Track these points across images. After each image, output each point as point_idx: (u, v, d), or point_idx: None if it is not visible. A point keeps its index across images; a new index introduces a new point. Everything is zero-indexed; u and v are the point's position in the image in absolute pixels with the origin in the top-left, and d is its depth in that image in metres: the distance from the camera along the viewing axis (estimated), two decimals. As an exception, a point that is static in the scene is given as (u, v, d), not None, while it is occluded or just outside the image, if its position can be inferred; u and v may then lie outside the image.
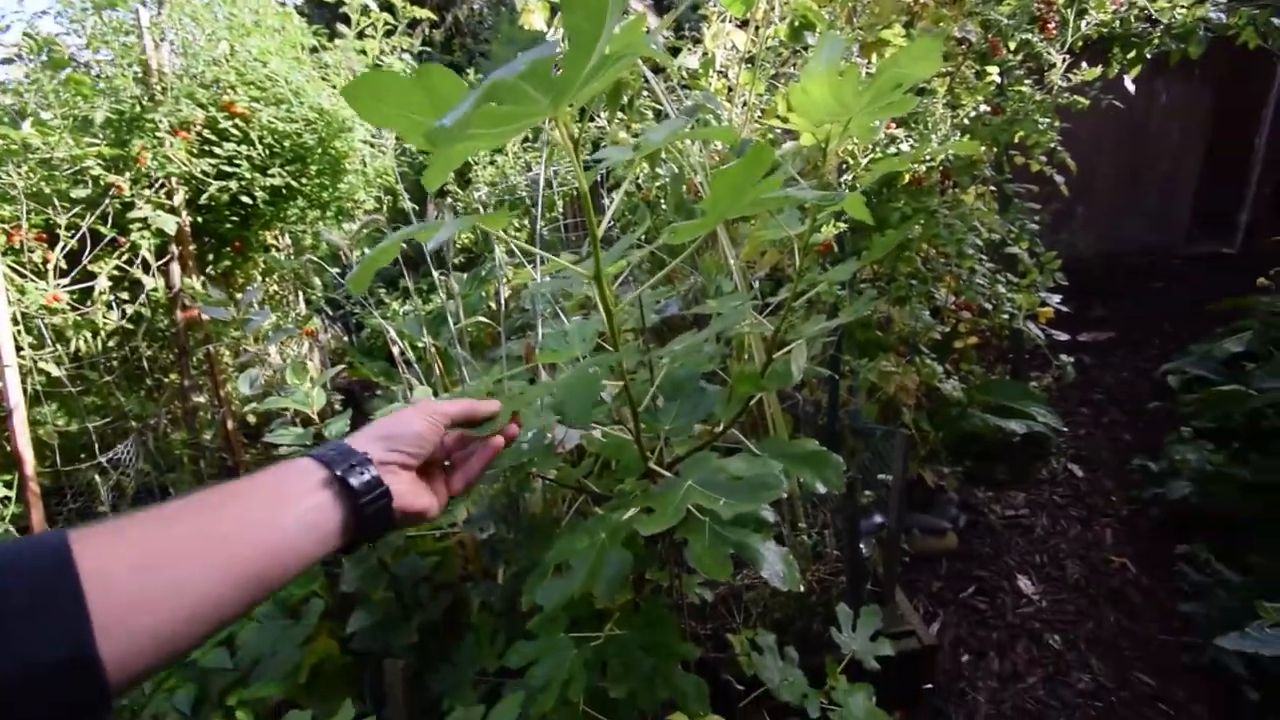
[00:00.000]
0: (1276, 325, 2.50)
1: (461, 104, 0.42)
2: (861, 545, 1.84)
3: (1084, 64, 1.99)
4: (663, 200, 2.06)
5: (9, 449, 1.99)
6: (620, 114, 2.39)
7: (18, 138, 2.05)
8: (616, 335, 0.80)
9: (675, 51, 2.02)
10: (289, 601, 1.49)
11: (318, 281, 2.87)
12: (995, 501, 2.58)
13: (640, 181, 2.28)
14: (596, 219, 0.69)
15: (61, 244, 2.19)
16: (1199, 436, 2.31)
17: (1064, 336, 2.52)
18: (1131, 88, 2.18)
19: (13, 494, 2.03)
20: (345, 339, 3.88)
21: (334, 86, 2.75)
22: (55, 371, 2.14)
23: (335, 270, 3.03)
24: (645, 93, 2.24)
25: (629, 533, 0.97)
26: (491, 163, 3.29)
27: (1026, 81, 1.97)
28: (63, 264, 2.19)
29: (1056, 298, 2.57)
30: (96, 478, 2.13)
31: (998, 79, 1.89)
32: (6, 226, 2.11)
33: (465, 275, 3.36)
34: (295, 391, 1.18)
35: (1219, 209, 3.90)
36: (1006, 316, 2.44)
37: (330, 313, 3.33)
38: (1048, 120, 2.04)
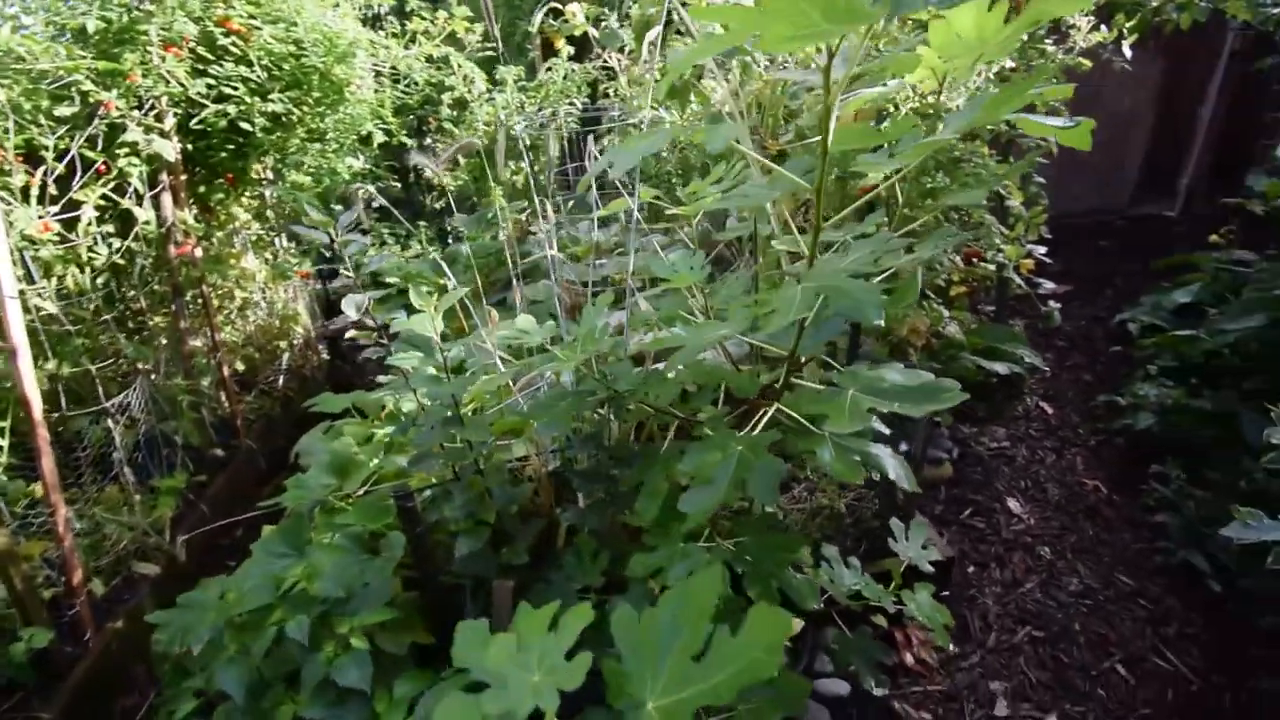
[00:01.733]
0: (1225, 277, 2.80)
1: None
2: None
3: (1103, 27, 2.13)
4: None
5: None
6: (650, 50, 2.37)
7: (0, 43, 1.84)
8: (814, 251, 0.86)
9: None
10: (361, 536, 1.50)
11: (315, 217, 2.71)
12: (981, 435, 2.82)
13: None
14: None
15: (46, 167, 2.00)
16: (1161, 375, 2.59)
17: (1050, 285, 2.74)
18: (1129, 53, 2.34)
19: (4, 443, 1.89)
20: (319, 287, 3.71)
21: (337, 4, 2.58)
22: (51, 308, 1.98)
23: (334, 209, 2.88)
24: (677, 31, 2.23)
25: (772, 442, 1.05)
26: (490, 100, 3.17)
27: (1047, 40, 2.09)
28: (53, 190, 2.01)
29: (1041, 249, 2.78)
30: (109, 424, 2.01)
31: (1024, 36, 2.00)
32: (-11, 144, 1.91)
33: (468, 218, 3.27)
34: (408, 317, 1.17)
35: (1163, 175, 4.26)
36: (995, 266, 2.62)
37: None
38: (1056, 80, 2.18)
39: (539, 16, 2.88)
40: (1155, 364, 2.66)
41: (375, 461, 1.60)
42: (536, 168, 3.32)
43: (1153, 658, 1.81)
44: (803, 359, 1.24)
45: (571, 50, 3.34)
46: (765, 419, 1.12)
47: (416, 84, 2.94)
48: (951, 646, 1.88)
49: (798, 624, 1.59)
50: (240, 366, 2.86)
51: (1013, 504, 2.43)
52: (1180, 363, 2.60)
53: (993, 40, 0.80)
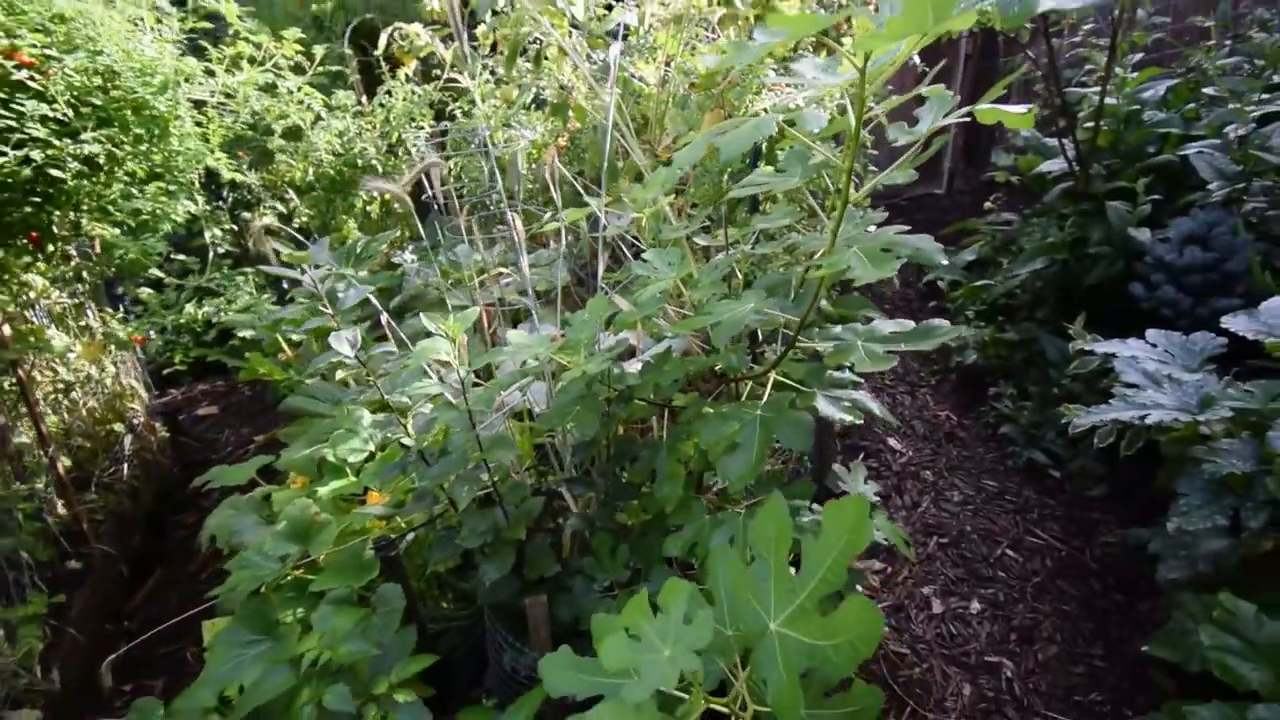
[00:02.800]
0: (998, 236, 3.52)
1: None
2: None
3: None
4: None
5: None
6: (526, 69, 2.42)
7: None
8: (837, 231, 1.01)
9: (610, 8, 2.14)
10: (350, 596, 1.39)
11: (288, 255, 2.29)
12: (852, 392, 3.24)
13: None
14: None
15: None
16: (976, 319, 3.19)
17: (884, 255, 3.23)
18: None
19: None
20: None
21: (153, 26, 2.26)
22: None
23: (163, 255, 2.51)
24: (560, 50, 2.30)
25: (790, 400, 1.19)
26: (324, 126, 2.93)
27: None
28: None
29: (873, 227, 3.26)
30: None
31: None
32: None
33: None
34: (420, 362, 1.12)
35: (930, 159, 5.18)
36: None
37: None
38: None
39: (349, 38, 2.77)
40: (969, 310, 3.26)
41: (344, 518, 1.48)
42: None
43: (1028, 539, 2.26)
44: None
45: (410, 73, 3.24)
46: (769, 386, 1.25)
47: (255, 113, 2.66)
48: (886, 567, 2.18)
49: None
50: (67, 462, 2.38)
51: (893, 442, 2.84)
52: (985, 306, 3.22)
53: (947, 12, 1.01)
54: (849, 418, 1.18)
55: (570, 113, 2.31)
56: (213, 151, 2.56)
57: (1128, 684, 1.75)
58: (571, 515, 1.51)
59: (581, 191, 1.91)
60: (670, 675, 0.83)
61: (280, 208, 3.14)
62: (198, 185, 2.60)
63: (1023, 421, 2.62)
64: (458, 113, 3.04)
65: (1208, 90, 3.00)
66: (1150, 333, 1.97)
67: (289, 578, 1.48)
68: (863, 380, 1.31)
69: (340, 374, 2.08)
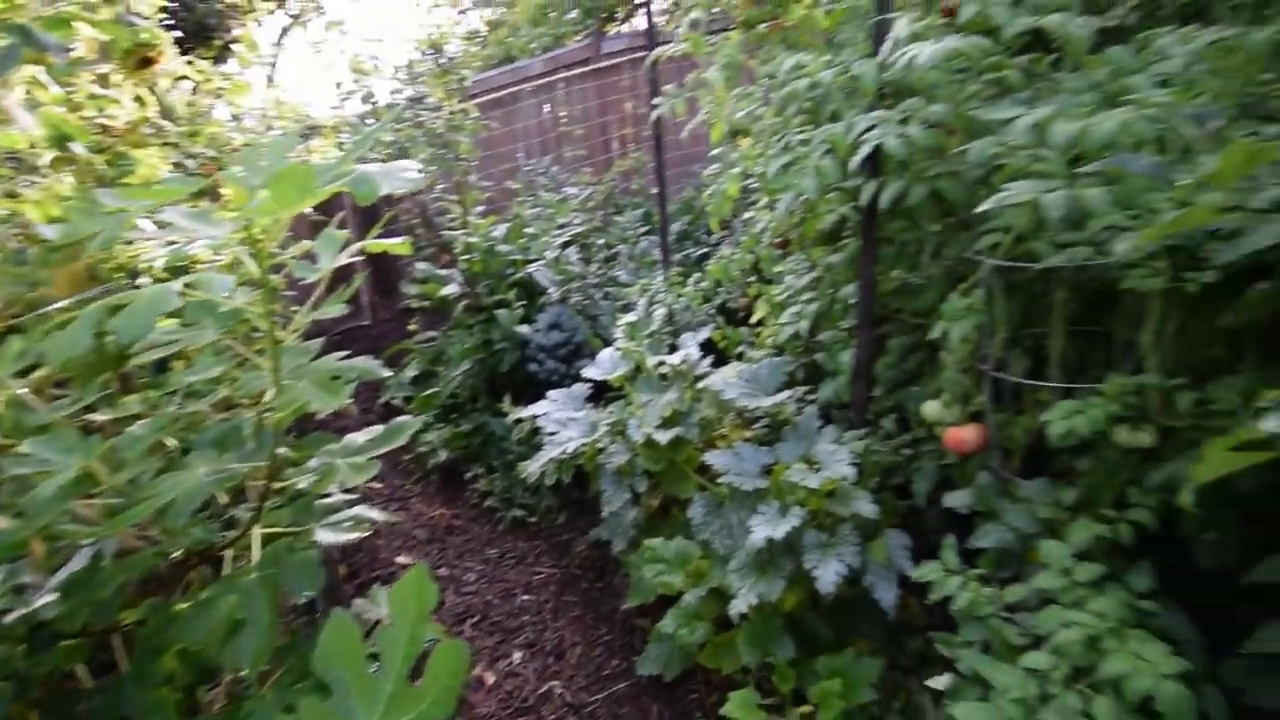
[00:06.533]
0: (428, 351, 4.10)
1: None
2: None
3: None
4: None
5: None
6: None
7: None
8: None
9: None
10: None
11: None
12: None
13: None
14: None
15: None
16: (435, 422, 3.61)
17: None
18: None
19: None
20: None
21: None
22: None
23: None
24: None
25: (287, 546, 1.22)
26: None
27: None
28: None
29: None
30: None
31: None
32: None
33: None
34: None
35: (353, 298, 5.54)
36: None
37: None
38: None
39: None
40: (427, 416, 3.67)
41: None
42: None
43: (533, 579, 2.71)
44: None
45: None
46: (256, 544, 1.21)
47: None
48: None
49: None
50: None
51: (402, 559, 2.93)
52: (439, 409, 3.69)
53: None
54: (354, 535, 1.26)
55: None
56: None
57: (627, 638, 2.32)
58: None
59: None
60: None
61: None
62: None
63: (498, 490, 3.13)
64: None
65: (528, 229, 4.32)
66: (550, 393, 2.71)
67: None
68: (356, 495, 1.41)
69: None
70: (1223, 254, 1.01)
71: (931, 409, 1.72)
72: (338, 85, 3.92)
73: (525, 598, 2.60)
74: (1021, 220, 1.25)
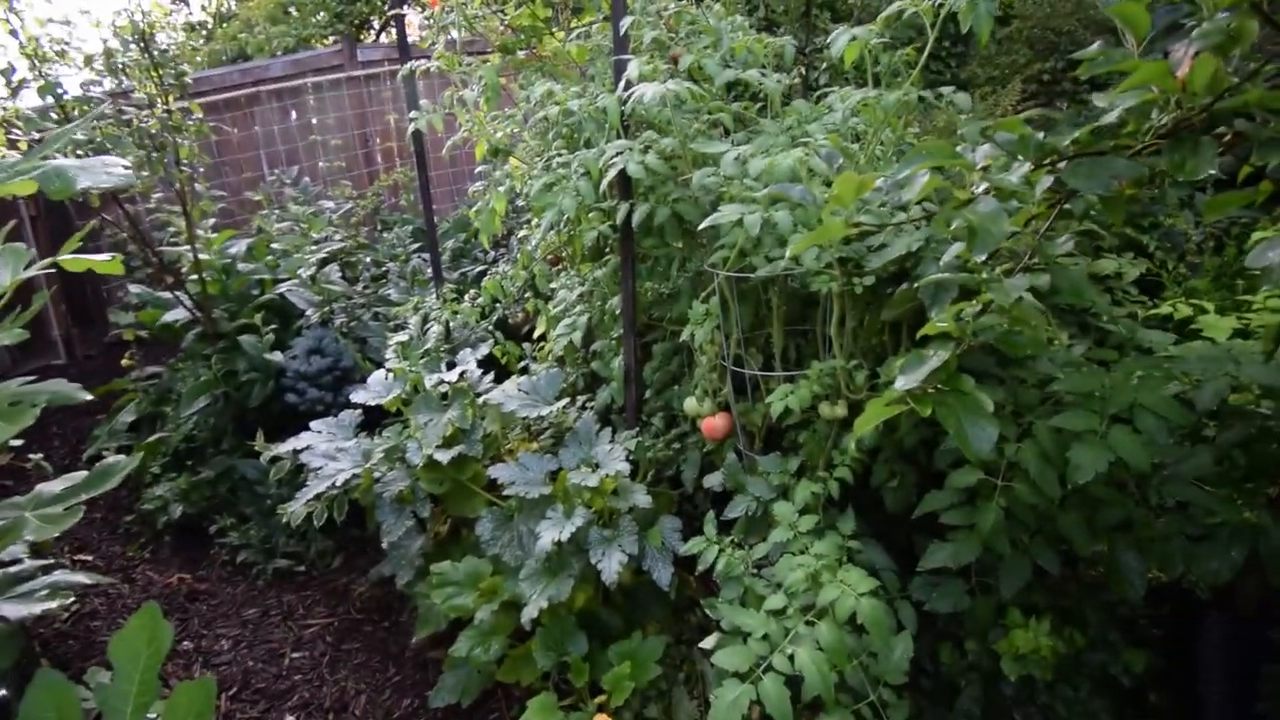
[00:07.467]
0: (151, 390, 3.45)
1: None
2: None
3: None
4: None
5: None
6: None
7: None
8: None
9: None
10: None
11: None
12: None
13: None
14: None
15: None
16: (161, 473, 3.05)
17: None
18: None
19: None
20: None
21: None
22: None
23: None
24: None
25: None
26: None
27: None
28: None
29: None
30: None
31: None
32: None
33: None
34: None
35: (37, 334, 4.38)
36: None
37: None
38: None
39: None
40: (154, 467, 3.08)
41: None
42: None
43: (304, 633, 2.43)
44: None
45: None
46: None
47: None
48: None
49: None
50: None
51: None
52: (170, 457, 3.12)
53: None
54: (55, 603, 1.04)
55: None
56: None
57: (419, 673, 2.21)
58: None
59: None
60: None
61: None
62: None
63: (255, 541, 2.75)
64: None
65: (277, 245, 3.87)
66: (314, 424, 2.47)
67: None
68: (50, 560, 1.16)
69: None
70: (872, 262, 1.33)
71: (690, 404, 1.94)
72: (5, 72, 3.13)
73: (295, 655, 2.33)
74: (740, 237, 1.49)
